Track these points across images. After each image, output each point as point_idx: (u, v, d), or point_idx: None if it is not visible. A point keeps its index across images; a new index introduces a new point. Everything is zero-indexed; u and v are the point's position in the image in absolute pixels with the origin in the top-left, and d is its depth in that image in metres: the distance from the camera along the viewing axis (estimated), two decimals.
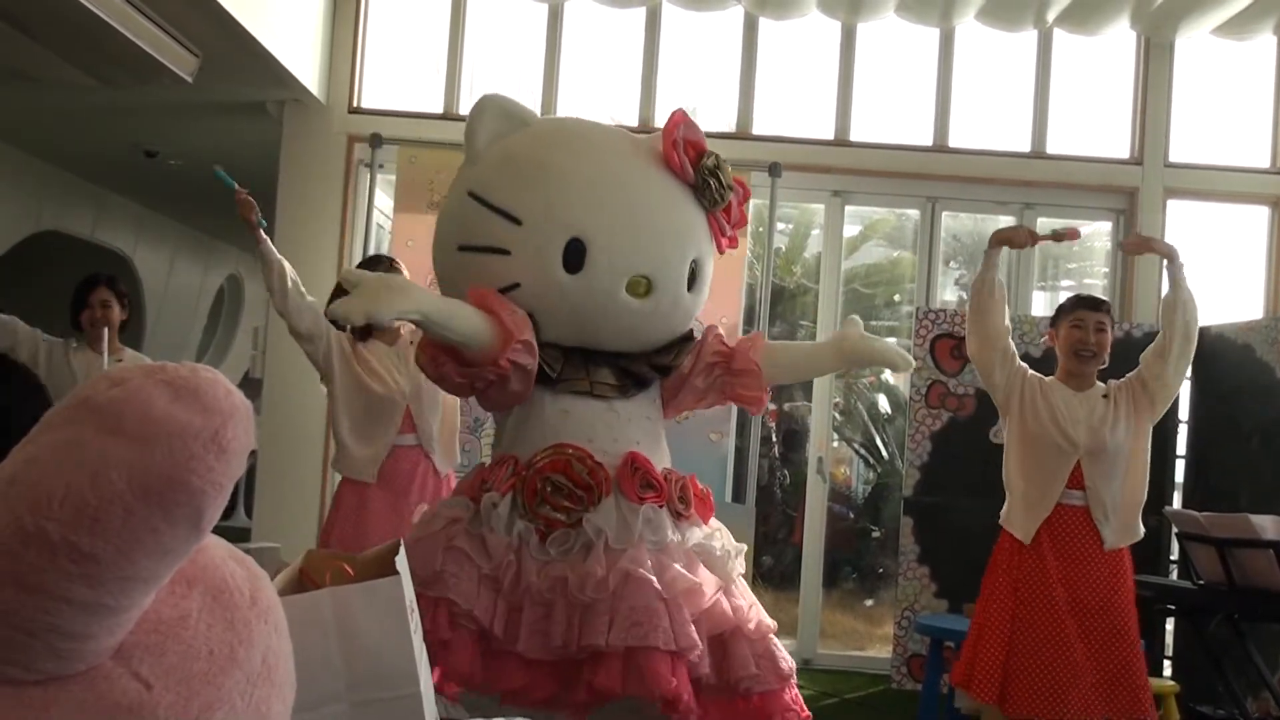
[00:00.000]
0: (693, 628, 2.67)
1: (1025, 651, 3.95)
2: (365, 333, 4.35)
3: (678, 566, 2.72)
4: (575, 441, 2.63)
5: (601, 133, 2.91)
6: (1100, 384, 4.15)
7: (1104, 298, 4.27)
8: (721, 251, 2.88)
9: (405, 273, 4.42)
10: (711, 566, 2.86)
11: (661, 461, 2.81)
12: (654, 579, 2.64)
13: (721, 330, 3.05)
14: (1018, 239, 4.22)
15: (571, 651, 2.65)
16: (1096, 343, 4.06)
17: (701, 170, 2.77)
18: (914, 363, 3.25)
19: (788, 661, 3.08)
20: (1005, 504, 4.19)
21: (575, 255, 2.59)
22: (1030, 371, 4.17)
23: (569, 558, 2.66)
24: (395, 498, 4.22)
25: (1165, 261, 4.28)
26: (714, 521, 2.84)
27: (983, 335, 4.10)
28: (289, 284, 4.32)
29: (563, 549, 2.67)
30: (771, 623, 3.07)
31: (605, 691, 2.65)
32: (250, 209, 4.39)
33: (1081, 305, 4.14)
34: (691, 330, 2.90)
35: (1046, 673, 3.90)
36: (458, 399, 4.30)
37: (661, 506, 2.74)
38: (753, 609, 3.03)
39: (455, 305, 2.59)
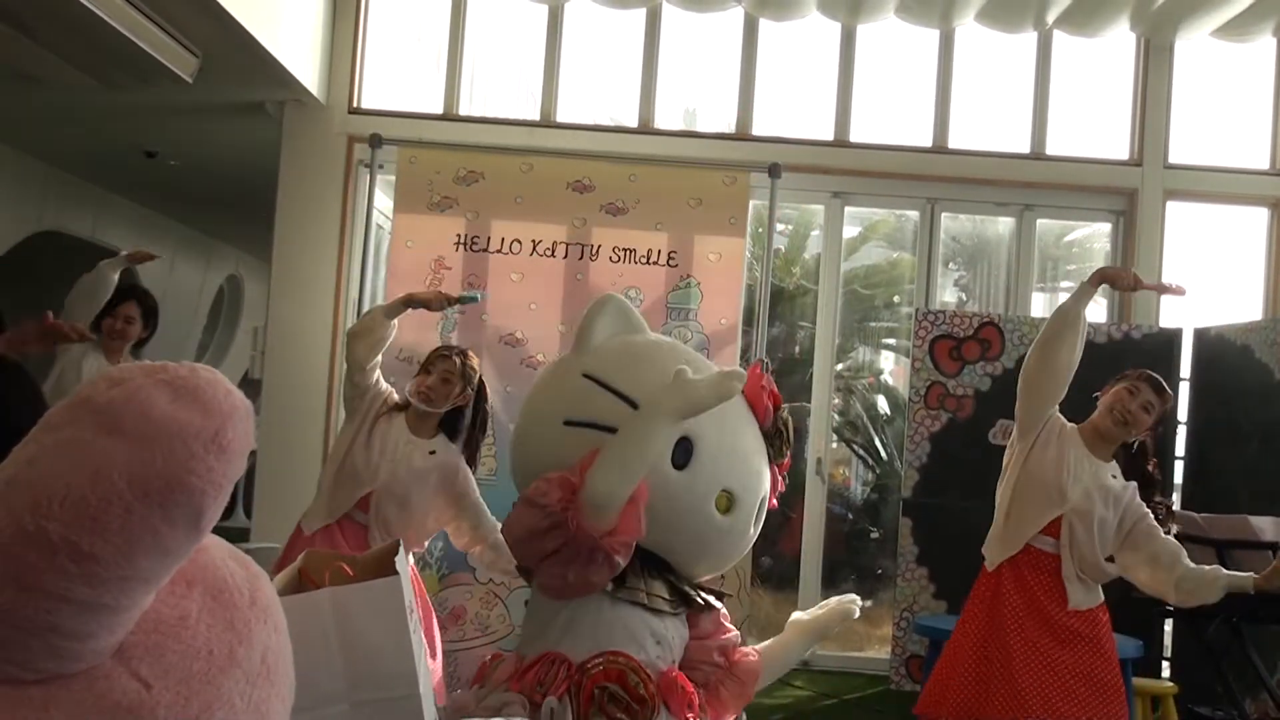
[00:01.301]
0: None
1: (1001, 666, 3.93)
2: (405, 404, 4.30)
3: None
4: (626, 650, 2.65)
5: (709, 363, 3.13)
6: (1116, 464, 4.05)
7: (1169, 391, 4.07)
8: (773, 507, 2.97)
9: (473, 369, 4.37)
10: None
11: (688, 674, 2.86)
12: None
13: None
14: (1123, 281, 4.11)
15: None
16: (1137, 420, 3.93)
17: (778, 420, 2.87)
18: (857, 608, 3.28)
19: None
20: (991, 529, 4.15)
21: (683, 453, 2.64)
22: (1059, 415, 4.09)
23: None
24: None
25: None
26: None
27: (1053, 366, 3.93)
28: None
29: None
30: None
31: None
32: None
33: (1147, 381, 3.99)
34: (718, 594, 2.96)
35: (1025, 680, 3.88)
36: (426, 536, 4.30)
37: None
38: None
39: (635, 437, 2.62)
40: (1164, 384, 4.04)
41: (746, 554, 3.22)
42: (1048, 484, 3.96)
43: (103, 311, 5.08)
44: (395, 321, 4.34)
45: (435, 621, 4.30)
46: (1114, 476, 4.01)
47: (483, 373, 4.45)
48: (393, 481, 4.14)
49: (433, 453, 4.22)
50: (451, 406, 4.26)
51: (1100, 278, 4.06)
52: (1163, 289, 4.29)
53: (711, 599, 2.93)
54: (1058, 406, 4.03)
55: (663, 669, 2.72)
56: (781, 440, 2.92)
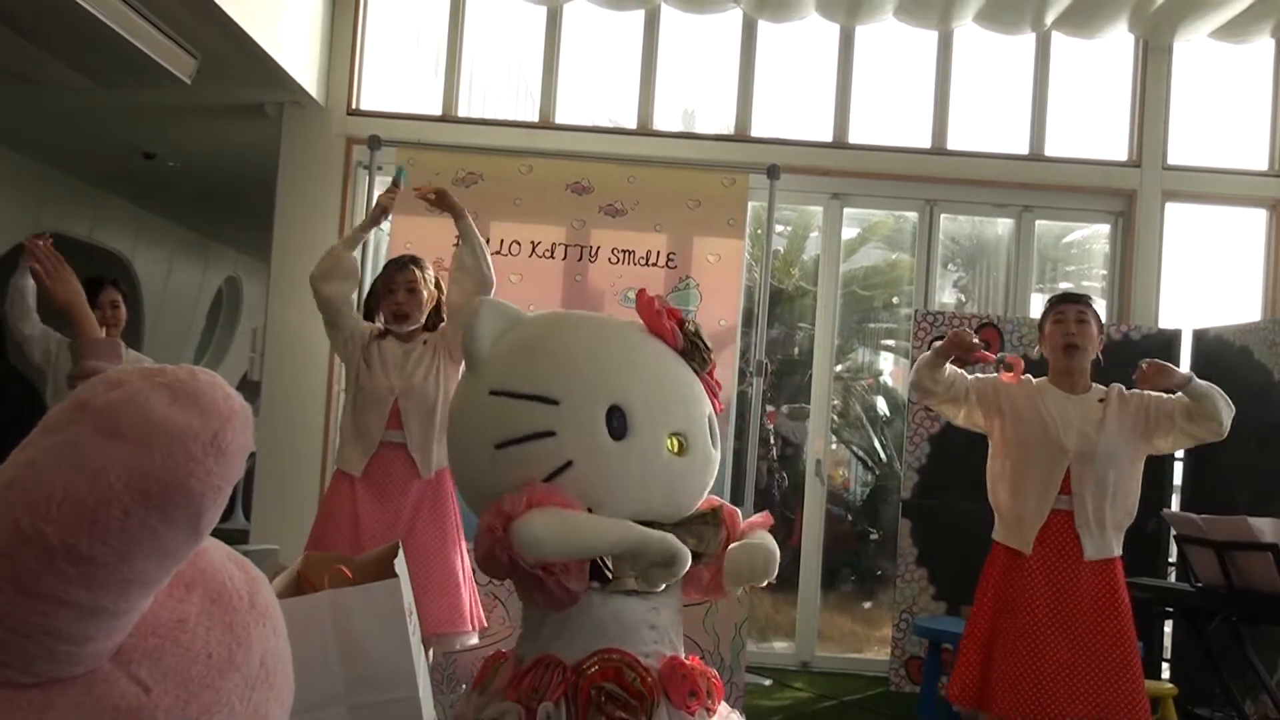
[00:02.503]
0: None
1: (1004, 656, 3.94)
2: (384, 332, 4.36)
3: None
4: (622, 646, 2.64)
5: (599, 317, 3.08)
6: (1099, 386, 4.11)
7: (1083, 293, 4.20)
8: (719, 411, 2.93)
9: (430, 271, 4.42)
10: None
11: (682, 647, 2.83)
12: None
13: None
14: (963, 346, 3.99)
15: None
16: (1079, 334, 4.02)
17: (687, 335, 2.84)
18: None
19: None
20: (996, 521, 4.16)
21: (618, 422, 2.61)
22: (995, 379, 4.12)
23: None
24: (381, 496, 4.23)
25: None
26: (723, 708, 2.87)
27: (940, 402, 4.10)
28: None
29: None
30: None
31: None
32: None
33: (1061, 300, 4.12)
34: (717, 508, 2.92)
35: (1025, 673, 3.89)
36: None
37: (710, 714, 2.77)
38: None
39: (593, 528, 2.59)
40: (1075, 292, 4.20)
41: None
42: (1043, 442, 3.99)
43: None
44: (356, 254, 4.38)
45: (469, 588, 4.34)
46: (1100, 400, 4.04)
47: None
48: (408, 389, 4.23)
49: (426, 341, 4.33)
50: (428, 311, 4.37)
51: (944, 352, 4.00)
52: (1005, 367, 4.13)
53: (702, 543, 2.89)
54: (978, 378, 4.12)
55: (664, 655, 2.71)
56: (699, 352, 2.87)
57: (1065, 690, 3.85)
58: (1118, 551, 4.04)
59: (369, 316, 4.45)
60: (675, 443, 2.70)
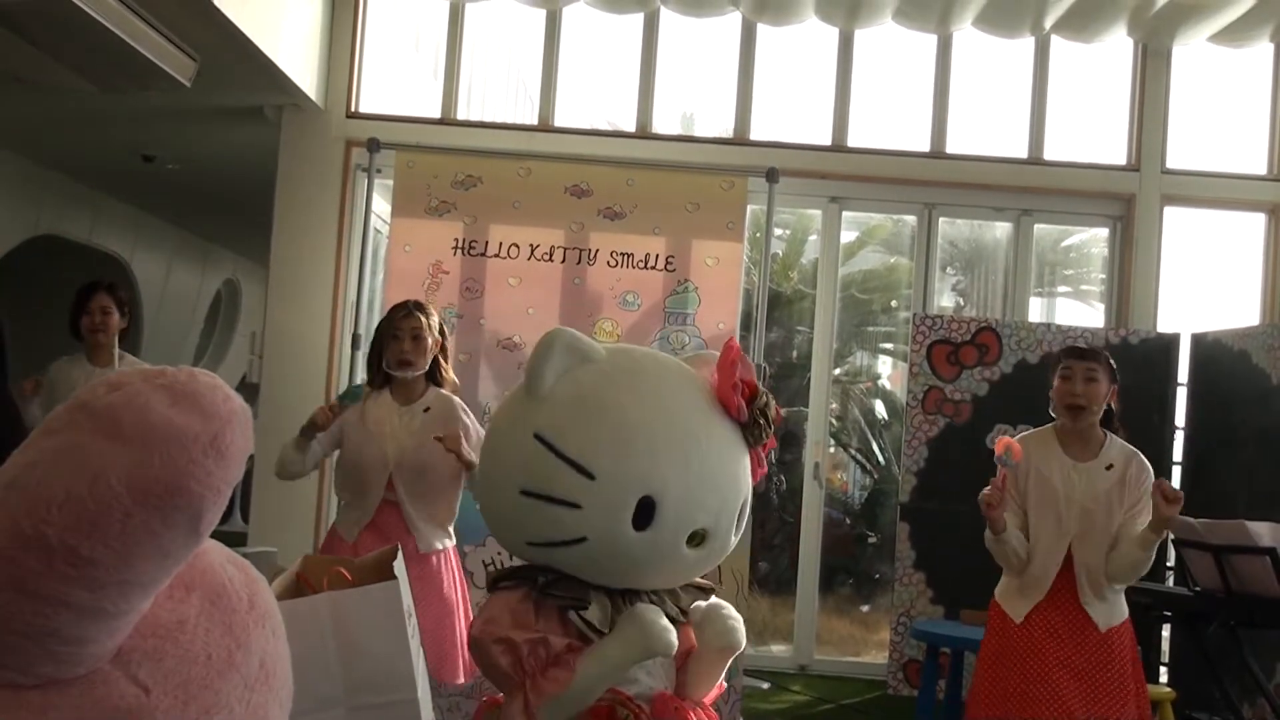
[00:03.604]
0: None
1: (996, 698, 3.89)
2: (385, 380, 4.29)
3: None
4: (616, 686, 2.64)
5: (669, 375, 2.85)
6: (1110, 442, 3.92)
7: (1097, 349, 3.97)
8: (757, 480, 2.90)
9: (435, 318, 4.37)
10: None
11: (674, 682, 2.82)
12: None
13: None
14: (993, 503, 3.79)
15: None
16: (1085, 394, 3.82)
17: (754, 410, 2.78)
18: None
19: None
20: (1001, 578, 4.03)
21: (645, 513, 2.58)
22: (1011, 489, 3.89)
23: None
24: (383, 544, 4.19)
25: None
26: None
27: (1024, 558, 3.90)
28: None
29: None
30: None
31: None
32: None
33: (1069, 354, 3.93)
34: (709, 589, 2.92)
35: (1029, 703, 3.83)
36: (458, 488, 4.25)
37: None
38: None
39: (601, 678, 2.60)
40: (1084, 347, 4.00)
41: (744, 558, 3.20)
42: (1049, 518, 3.86)
43: (75, 313, 5.06)
44: (316, 445, 4.27)
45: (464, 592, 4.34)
46: (1108, 468, 3.87)
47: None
48: (403, 457, 4.15)
49: (427, 410, 4.23)
50: (431, 359, 4.29)
51: (993, 521, 3.81)
52: (999, 463, 3.87)
53: (698, 603, 2.89)
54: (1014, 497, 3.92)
55: (655, 690, 2.71)
56: (760, 429, 2.76)
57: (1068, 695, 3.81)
58: (1125, 614, 3.92)
59: (374, 361, 4.38)
60: (696, 536, 2.69)
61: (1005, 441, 3.85)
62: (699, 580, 2.89)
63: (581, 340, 2.75)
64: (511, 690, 2.60)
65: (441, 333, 4.36)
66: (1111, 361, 3.94)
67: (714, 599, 2.84)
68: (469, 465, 4.04)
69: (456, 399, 4.31)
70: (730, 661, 2.80)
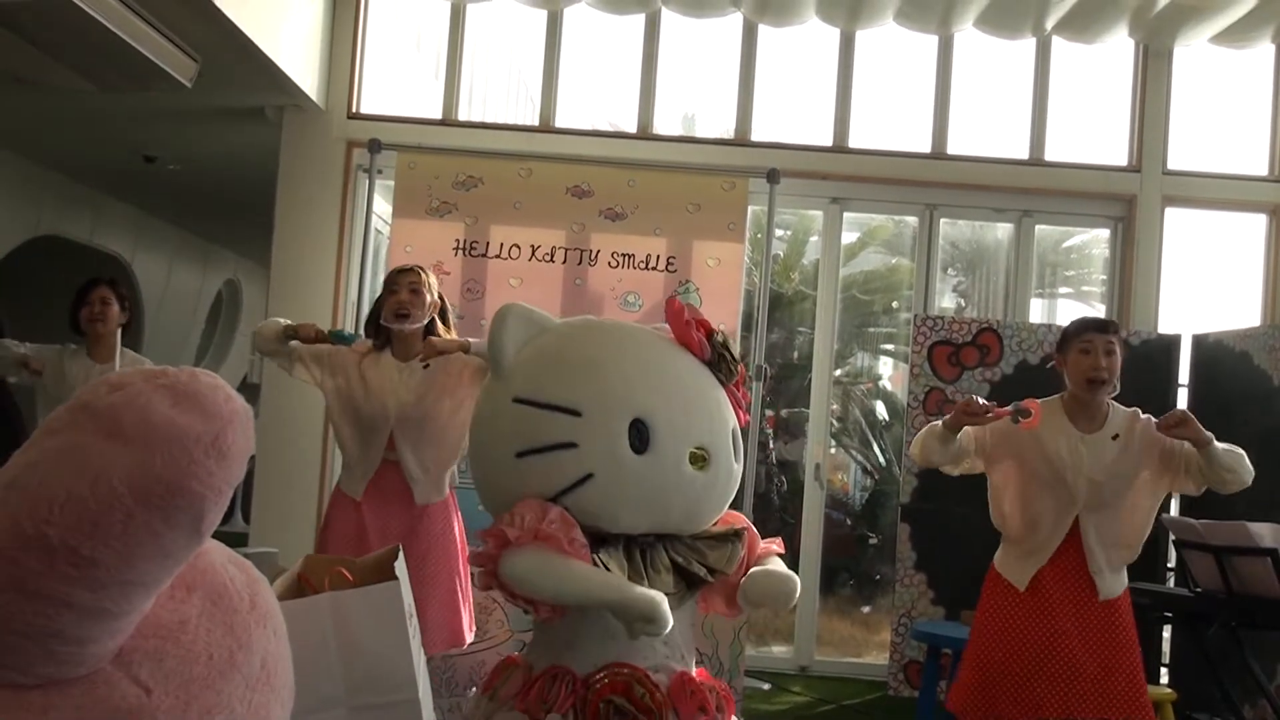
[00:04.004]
0: None
1: (1004, 668, 3.89)
2: (385, 340, 4.31)
3: None
4: (632, 660, 2.64)
5: (627, 326, 3.01)
6: (1116, 410, 3.92)
7: (1111, 319, 4.04)
8: (742, 424, 2.91)
9: (434, 280, 4.38)
10: None
11: (694, 660, 2.82)
12: None
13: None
14: (974, 414, 3.81)
15: None
16: (1108, 367, 3.80)
17: (715, 346, 2.82)
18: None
19: None
20: (1000, 547, 4.05)
21: (640, 436, 2.60)
22: (999, 427, 3.89)
23: None
24: (384, 516, 4.21)
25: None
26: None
27: (944, 463, 3.95)
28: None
29: None
30: None
31: None
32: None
33: (1089, 328, 3.89)
34: (741, 528, 2.92)
35: (1026, 678, 3.84)
36: (461, 436, 4.21)
37: None
38: None
39: (578, 579, 2.58)
40: (1102, 318, 4.00)
41: None
42: (1054, 487, 3.86)
43: (75, 305, 5.06)
44: (293, 344, 4.26)
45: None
46: (1114, 437, 3.86)
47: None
48: (404, 411, 4.18)
49: (426, 365, 4.26)
50: (429, 318, 4.31)
51: (957, 422, 3.82)
52: (1015, 412, 3.85)
53: (723, 559, 2.87)
54: (981, 432, 3.92)
55: (674, 670, 2.71)
56: (725, 364, 2.83)
57: (1066, 691, 3.81)
58: (1124, 584, 3.93)
59: (373, 316, 4.40)
60: (697, 457, 2.70)
61: (1034, 405, 3.82)
62: (718, 529, 2.88)
63: (533, 311, 2.82)
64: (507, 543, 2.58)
65: (441, 297, 4.39)
66: (1118, 326, 3.97)
67: (768, 564, 2.86)
68: (463, 349, 4.19)
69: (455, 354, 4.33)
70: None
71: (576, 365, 2.69)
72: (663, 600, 2.54)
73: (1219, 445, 3.77)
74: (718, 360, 2.83)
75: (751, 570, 2.81)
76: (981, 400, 3.82)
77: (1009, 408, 3.80)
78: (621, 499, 2.63)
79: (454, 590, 4.23)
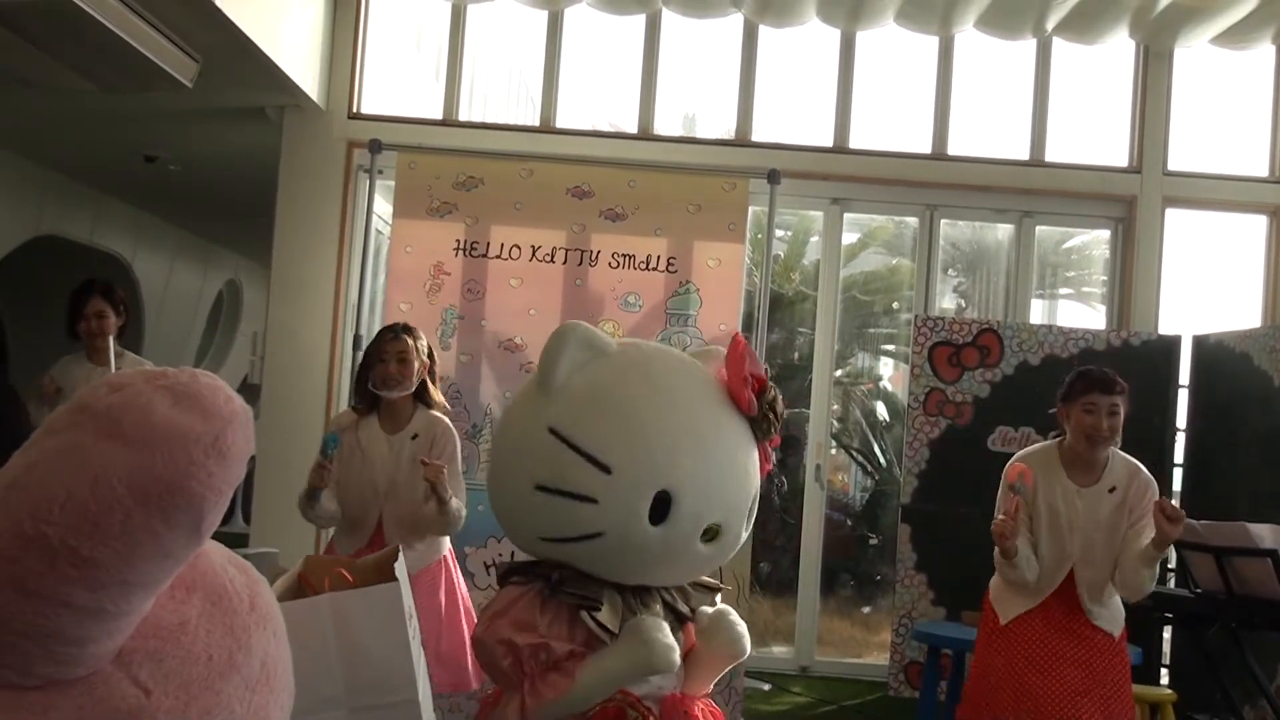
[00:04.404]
0: None
1: (986, 696, 3.91)
2: (373, 404, 4.31)
3: None
4: (625, 687, 2.63)
5: (680, 369, 2.83)
6: (1116, 458, 3.92)
7: (1116, 377, 3.89)
8: (765, 475, 2.89)
9: (423, 341, 4.38)
10: None
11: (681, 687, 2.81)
12: None
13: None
14: (1006, 534, 3.84)
15: None
16: (1109, 428, 3.81)
17: (763, 404, 2.77)
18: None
19: None
20: (994, 578, 4.06)
21: (661, 508, 2.57)
22: (1018, 505, 3.90)
23: None
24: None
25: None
26: None
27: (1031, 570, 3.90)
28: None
29: None
30: None
31: None
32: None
33: (1094, 388, 3.85)
34: (720, 586, 2.92)
35: (1026, 683, 3.86)
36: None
37: None
38: None
39: (601, 686, 2.59)
40: (1105, 374, 3.90)
41: (746, 560, 3.19)
42: (1050, 541, 3.88)
43: (71, 316, 5.08)
44: (325, 500, 4.22)
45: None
46: (1110, 490, 3.88)
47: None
48: (393, 489, 4.19)
49: (414, 437, 4.25)
50: (419, 381, 4.30)
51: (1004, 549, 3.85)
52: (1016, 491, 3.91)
53: (704, 607, 2.87)
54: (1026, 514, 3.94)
55: (665, 694, 2.70)
56: (769, 423, 2.76)
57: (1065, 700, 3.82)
58: (1123, 621, 3.95)
59: (362, 381, 4.40)
60: (711, 531, 2.67)
61: (1020, 469, 3.87)
62: (708, 580, 2.89)
63: (595, 335, 2.74)
64: (510, 690, 2.60)
65: (430, 355, 4.38)
66: (1124, 385, 3.90)
67: (720, 604, 2.84)
68: (441, 502, 4.06)
69: (445, 419, 4.33)
70: (731, 666, 2.80)
71: (619, 414, 2.61)
72: (675, 649, 2.54)
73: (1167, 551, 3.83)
74: (761, 419, 2.79)
75: (706, 613, 2.79)
76: (999, 517, 3.85)
77: (1013, 494, 3.85)
78: (623, 561, 2.61)
79: (461, 635, 4.22)
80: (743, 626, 2.76)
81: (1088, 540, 3.85)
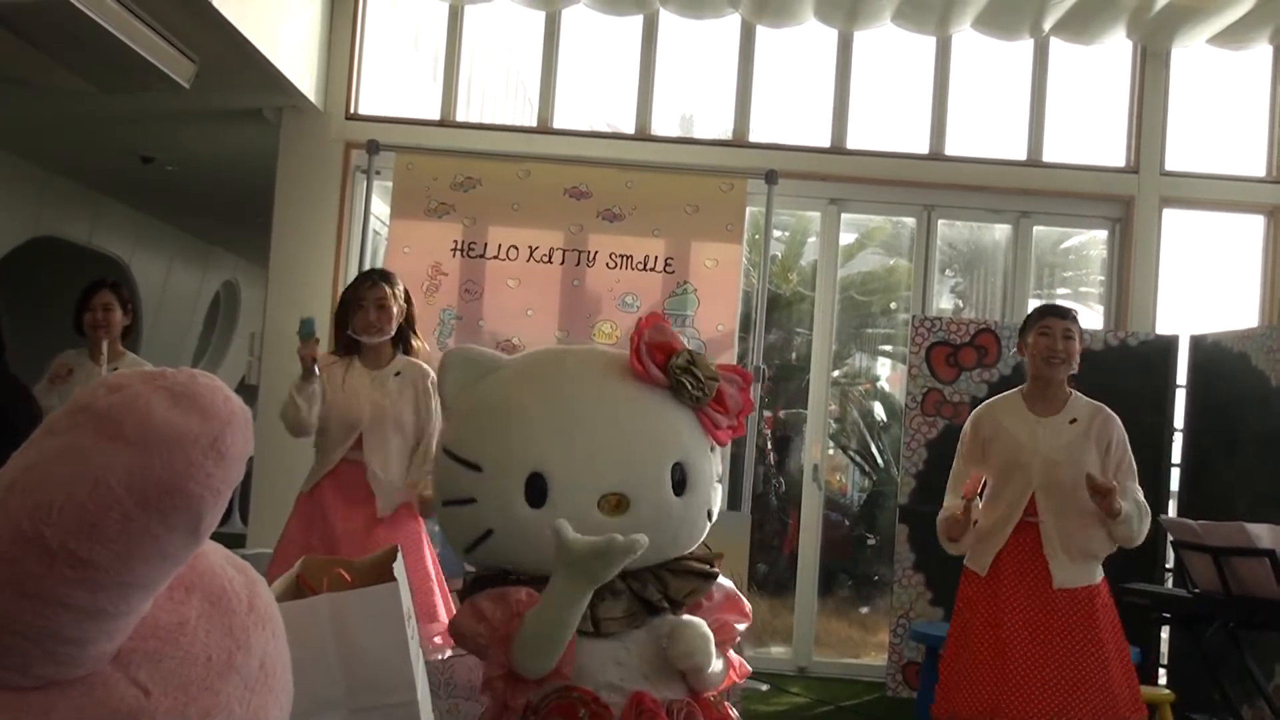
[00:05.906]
0: None
1: (966, 660, 3.95)
2: (351, 346, 4.38)
3: None
4: (580, 683, 2.61)
5: (573, 359, 2.86)
6: (1075, 399, 4.07)
7: (1070, 306, 4.18)
8: (721, 444, 2.84)
9: (400, 286, 4.43)
10: None
11: (671, 684, 2.75)
12: None
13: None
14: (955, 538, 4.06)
15: None
16: (1065, 350, 4.02)
17: (673, 371, 2.72)
18: None
19: None
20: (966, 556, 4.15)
21: (538, 490, 2.59)
22: (974, 433, 4.16)
23: None
24: (348, 502, 4.29)
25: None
26: None
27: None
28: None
29: None
30: None
31: None
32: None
33: (1048, 313, 4.11)
34: (714, 573, 2.86)
35: (984, 675, 3.88)
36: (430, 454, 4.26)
37: None
38: None
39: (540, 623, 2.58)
40: (1060, 305, 4.20)
41: (743, 559, 3.18)
42: (1009, 468, 4.00)
43: (79, 309, 5.09)
44: (315, 384, 4.30)
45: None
46: (1072, 421, 4.02)
47: None
48: (376, 415, 4.28)
49: (398, 374, 4.37)
50: (397, 327, 4.39)
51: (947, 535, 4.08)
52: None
53: (685, 591, 2.80)
54: (967, 451, 4.16)
55: (628, 691, 2.67)
56: (688, 388, 2.67)
57: (1029, 688, 3.84)
58: (1095, 579, 3.98)
59: (340, 326, 4.46)
60: (611, 503, 2.64)
61: (977, 479, 4.02)
62: (695, 563, 2.84)
63: (479, 354, 2.83)
64: (492, 650, 2.61)
65: (407, 300, 4.44)
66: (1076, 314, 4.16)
67: (686, 616, 2.76)
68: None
69: (426, 367, 4.40)
70: (703, 674, 2.72)
71: (486, 416, 2.69)
72: (576, 541, 2.42)
73: (1129, 513, 3.86)
74: (678, 385, 2.75)
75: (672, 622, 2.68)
76: (946, 520, 4.05)
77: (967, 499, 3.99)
78: (524, 552, 2.61)
79: (433, 598, 4.24)
80: (704, 638, 2.64)
81: (1049, 467, 3.95)
